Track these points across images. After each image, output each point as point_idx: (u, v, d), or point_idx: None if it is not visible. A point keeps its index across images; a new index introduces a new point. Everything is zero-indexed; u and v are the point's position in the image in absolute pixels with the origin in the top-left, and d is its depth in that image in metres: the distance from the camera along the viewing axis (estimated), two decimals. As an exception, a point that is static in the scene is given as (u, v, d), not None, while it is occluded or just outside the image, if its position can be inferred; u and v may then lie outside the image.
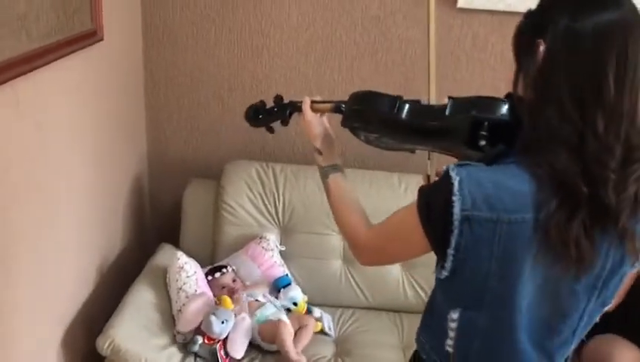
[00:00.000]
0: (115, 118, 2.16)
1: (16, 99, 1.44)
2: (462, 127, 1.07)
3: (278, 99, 1.44)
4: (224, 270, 2.15)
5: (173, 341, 1.95)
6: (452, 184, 0.97)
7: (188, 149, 2.55)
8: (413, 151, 1.30)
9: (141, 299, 1.99)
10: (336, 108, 1.32)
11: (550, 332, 1.06)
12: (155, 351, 1.85)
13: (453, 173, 0.97)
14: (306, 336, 2.04)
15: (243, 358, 1.96)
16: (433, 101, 1.25)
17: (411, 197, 2.30)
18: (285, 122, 1.43)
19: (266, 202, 2.31)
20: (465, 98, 1.12)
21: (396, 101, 1.21)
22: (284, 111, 1.42)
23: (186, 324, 1.94)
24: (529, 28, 1.01)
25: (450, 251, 0.99)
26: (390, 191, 2.26)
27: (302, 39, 2.36)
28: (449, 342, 1.09)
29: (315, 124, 1.33)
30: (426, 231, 1.02)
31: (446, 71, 2.34)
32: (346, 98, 1.31)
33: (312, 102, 1.34)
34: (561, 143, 0.94)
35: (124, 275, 2.21)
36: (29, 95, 1.51)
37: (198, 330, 1.94)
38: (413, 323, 2.21)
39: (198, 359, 1.94)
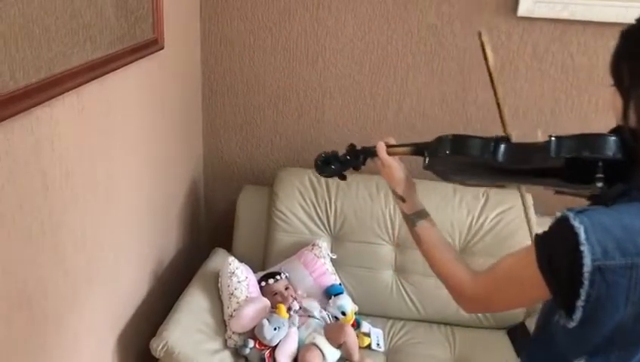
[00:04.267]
0: (173, 123, 2.21)
1: (81, 106, 1.50)
2: (572, 168, 1.00)
3: (351, 147, 1.38)
4: (278, 276, 2.16)
5: (225, 346, 1.97)
6: (577, 234, 0.89)
7: (242, 155, 2.59)
8: (503, 187, 1.24)
9: (194, 303, 2.02)
10: (417, 151, 1.26)
11: None
12: (207, 355, 1.87)
13: (575, 223, 0.90)
14: (353, 343, 2.00)
15: (291, 366, 1.96)
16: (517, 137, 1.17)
17: (466, 209, 2.23)
18: (358, 168, 1.38)
19: (318, 210, 2.32)
20: (569, 137, 1.03)
21: (489, 144, 1.14)
22: (357, 158, 1.37)
23: (240, 325, 1.96)
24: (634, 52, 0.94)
25: (580, 303, 0.92)
26: (444, 202, 2.22)
27: (357, 48, 2.36)
28: None
29: (396, 168, 1.27)
30: (549, 284, 0.95)
31: (504, 80, 2.29)
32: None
33: (387, 146, 1.29)
34: None
35: (179, 278, 2.25)
36: (93, 101, 1.56)
37: (251, 334, 1.96)
38: (465, 337, 2.20)
39: (248, 364, 1.96)
